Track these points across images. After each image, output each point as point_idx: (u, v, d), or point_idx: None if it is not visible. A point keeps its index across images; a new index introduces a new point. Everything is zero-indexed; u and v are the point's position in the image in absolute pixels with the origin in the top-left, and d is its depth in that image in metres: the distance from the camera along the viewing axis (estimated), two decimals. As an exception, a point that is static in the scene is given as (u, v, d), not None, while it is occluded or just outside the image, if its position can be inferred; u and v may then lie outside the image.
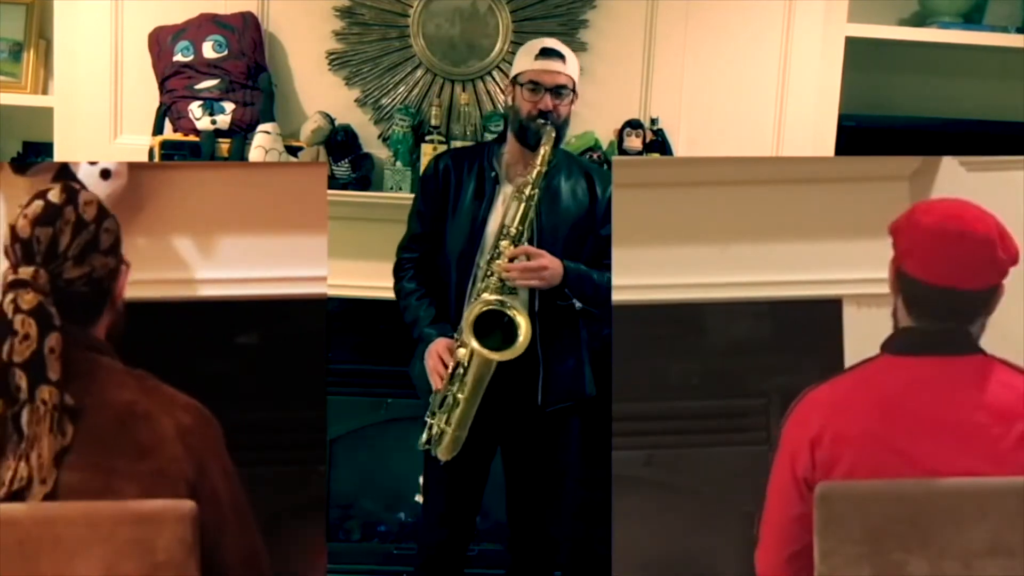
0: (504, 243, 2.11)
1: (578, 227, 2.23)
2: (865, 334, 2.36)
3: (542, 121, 2.15)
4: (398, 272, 2.34)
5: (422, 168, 2.75)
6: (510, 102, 2.26)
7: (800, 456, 1.50)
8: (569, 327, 2.25)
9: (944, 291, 1.48)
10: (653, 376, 2.52)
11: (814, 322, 2.45)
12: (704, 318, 2.53)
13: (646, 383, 2.50)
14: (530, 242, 2.17)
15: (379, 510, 3.12)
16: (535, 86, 2.18)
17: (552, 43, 2.25)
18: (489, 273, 2.11)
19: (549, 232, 2.19)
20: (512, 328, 2.07)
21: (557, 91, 2.18)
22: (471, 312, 2.07)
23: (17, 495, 1.35)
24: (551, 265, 2.11)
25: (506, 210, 2.16)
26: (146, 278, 2.33)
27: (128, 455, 1.38)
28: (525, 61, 2.22)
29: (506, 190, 2.22)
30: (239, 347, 2.47)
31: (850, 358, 2.35)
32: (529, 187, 2.11)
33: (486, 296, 2.09)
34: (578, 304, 2.17)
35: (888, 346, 1.55)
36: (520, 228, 2.11)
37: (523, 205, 2.11)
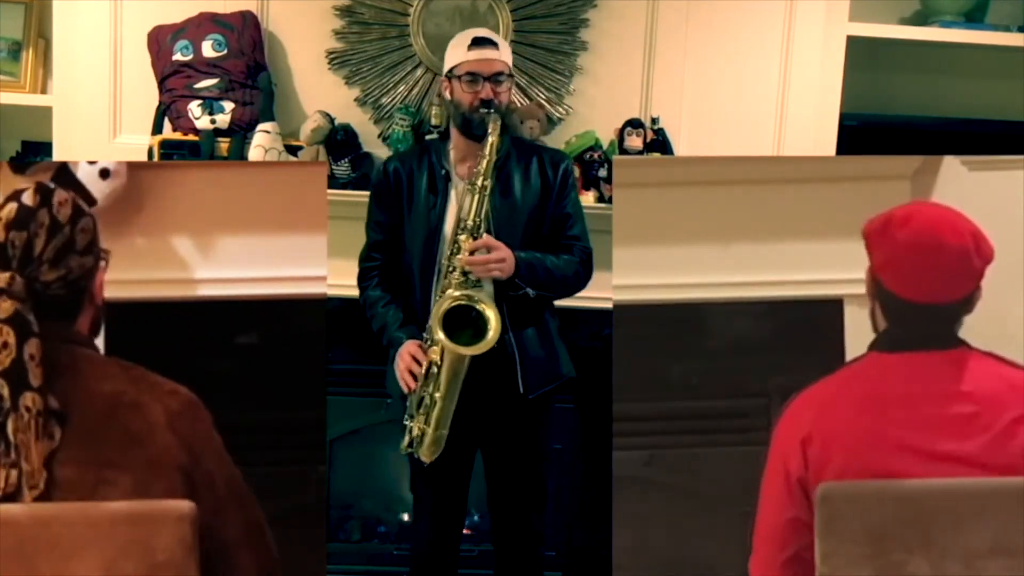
0: (463, 237, 2.10)
1: (535, 211, 2.23)
2: (866, 334, 2.34)
3: (485, 110, 2.14)
4: (362, 282, 2.32)
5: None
6: (448, 97, 2.25)
7: (792, 456, 1.50)
8: (537, 312, 2.24)
9: (922, 306, 1.48)
10: (653, 376, 2.51)
11: (815, 322, 2.45)
12: (705, 318, 2.53)
13: (646, 383, 2.50)
14: (487, 234, 2.16)
15: (379, 510, 3.12)
16: (473, 77, 2.17)
17: (483, 32, 2.25)
18: (451, 269, 2.11)
19: (506, 222, 2.18)
20: (481, 322, 2.07)
21: (495, 79, 2.17)
22: (439, 308, 2.07)
23: (7, 500, 1.35)
24: (507, 256, 2.11)
25: (461, 204, 2.15)
26: (146, 278, 2.34)
27: (119, 445, 1.38)
28: (458, 53, 2.21)
29: (458, 186, 2.22)
30: (239, 347, 2.47)
31: (851, 358, 2.34)
32: (482, 178, 2.11)
33: (452, 292, 2.09)
34: (531, 292, 2.16)
35: (875, 344, 1.55)
36: (477, 220, 2.11)
37: (477, 197, 2.11)
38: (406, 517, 3.10)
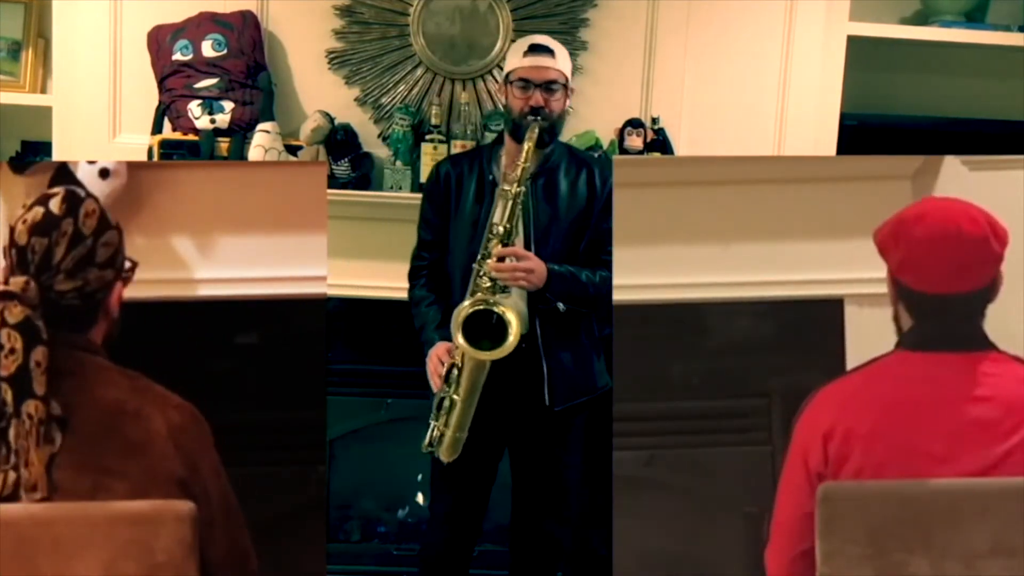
0: (493, 242, 2.10)
1: (577, 222, 2.23)
2: (867, 334, 2.35)
3: (532, 118, 2.14)
4: (412, 279, 2.36)
5: (422, 167, 2.75)
6: (504, 101, 2.27)
7: (813, 451, 1.50)
8: (572, 323, 2.24)
9: (949, 298, 1.48)
10: (654, 376, 2.51)
11: (816, 322, 2.44)
12: (705, 318, 2.52)
13: (647, 383, 2.49)
14: (527, 240, 2.17)
15: (379, 510, 3.12)
16: (525, 83, 2.18)
17: (541, 39, 2.25)
18: (481, 273, 2.11)
19: (546, 230, 2.19)
20: (503, 327, 2.06)
21: (548, 87, 2.18)
22: (460, 313, 2.06)
23: (5, 502, 1.35)
24: (536, 268, 2.11)
25: (493, 209, 2.15)
26: (145, 278, 2.31)
27: (118, 454, 1.38)
28: (515, 59, 2.23)
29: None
30: (239, 347, 2.46)
31: (852, 358, 2.34)
32: (515, 185, 2.10)
33: (477, 296, 2.09)
34: (561, 306, 2.16)
35: (903, 342, 1.54)
36: (508, 226, 2.10)
37: (509, 203, 2.10)
38: (403, 514, 3.10)
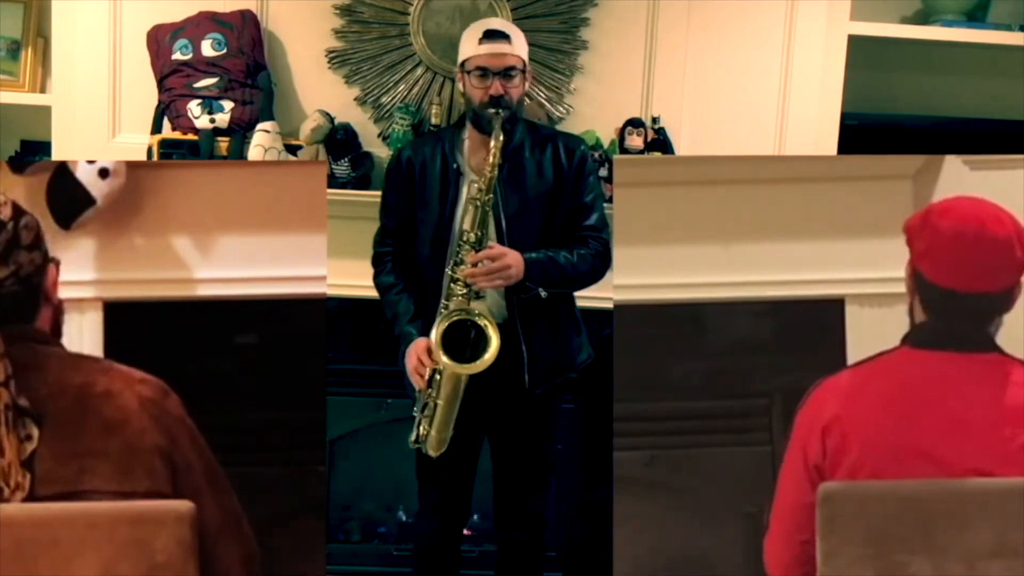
0: (465, 249, 2.09)
1: (546, 203, 2.19)
2: (868, 334, 2.36)
3: (493, 111, 2.09)
4: (376, 266, 2.33)
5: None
6: (461, 89, 2.22)
7: (812, 444, 1.50)
8: (549, 304, 2.20)
9: (963, 295, 1.47)
10: (654, 376, 2.51)
11: (816, 322, 2.44)
12: (705, 318, 2.52)
13: (647, 383, 2.49)
14: (498, 231, 2.14)
15: (379, 511, 3.11)
16: (483, 72, 2.12)
17: (496, 23, 2.20)
18: (455, 280, 2.09)
19: (515, 218, 2.16)
20: (483, 337, 2.05)
21: (506, 74, 2.12)
22: (438, 328, 2.05)
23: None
24: (514, 263, 2.08)
25: (463, 215, 2.13)
26: (145, 278, 2.33)
27: (96, 434, 1.39)
28: (469, 46, 2.16)
29: (470, 179, 2.18)
30: (239, 347, 2.46)
31: (852, 358, 2.34)
32: (483, 193, 2.08)
33: (453, 305, 2.08)
34: (543, 292, 2.13)
35: (909, 338, 1.54)
36: (478, 233, 2.08)
37: (479, 211, 2.08)
38: (405, 517, 3.10)
